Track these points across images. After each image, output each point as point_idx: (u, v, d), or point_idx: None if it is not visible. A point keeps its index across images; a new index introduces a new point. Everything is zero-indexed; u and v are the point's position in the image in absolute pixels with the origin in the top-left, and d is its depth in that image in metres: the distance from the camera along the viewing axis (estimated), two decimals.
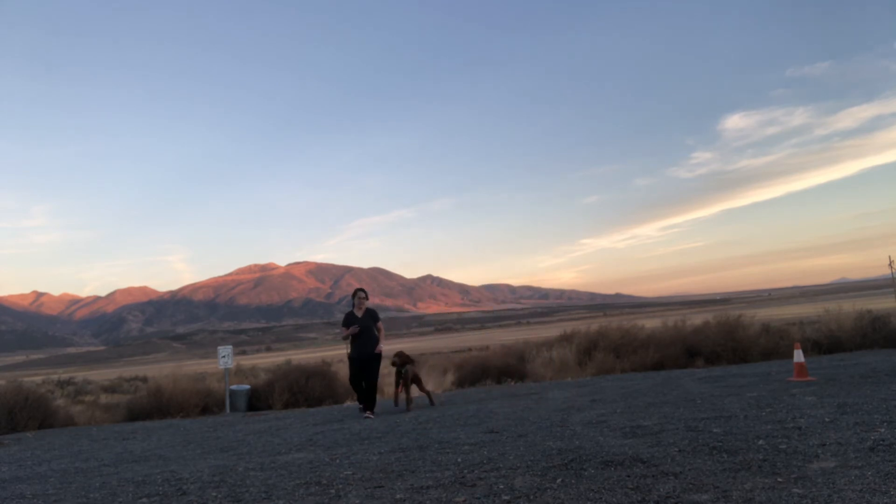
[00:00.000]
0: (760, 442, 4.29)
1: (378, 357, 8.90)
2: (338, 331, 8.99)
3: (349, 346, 8.99)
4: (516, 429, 5.87)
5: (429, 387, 14.83)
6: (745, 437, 4.51)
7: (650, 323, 15.84)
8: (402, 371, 9.09)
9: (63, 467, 5.98)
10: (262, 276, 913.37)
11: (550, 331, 22.32)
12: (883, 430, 4.33)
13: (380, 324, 9.07)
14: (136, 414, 12.88)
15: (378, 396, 11.87)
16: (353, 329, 8.71)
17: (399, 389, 9.15)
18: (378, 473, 4.31)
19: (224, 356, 12.96)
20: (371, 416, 8.48)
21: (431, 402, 9.42)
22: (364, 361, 8.75)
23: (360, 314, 8.95)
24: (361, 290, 9.15)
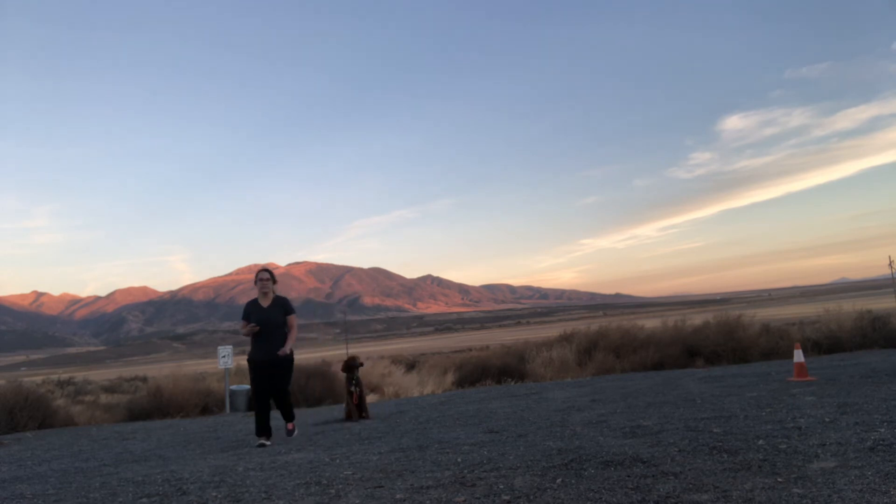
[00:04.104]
0: (760, 442, 4.29)
1: (287, 362, 6.86)
2: (238, 326, 7.06)
3: (250, 345, 6.97)
4: (516, 429, 5.87)
5: (428, 388, 14.86)
6: (745, 437, 4.50)
7: (650, 323, 15.84)
8: (353, 378, 8.08)
9: (63, 467, 5.98)
10: None
11: (550, 331, 22.32)
12: (883, 430, 4.33)
13: (292, 318, 7.03)
14: (136, 414, 12.89)
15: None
16: (249, 329, 6.77)
17: (355, 400, 8.06)
18: (378, 473, 4.31)
19: (224, 356, 12.96)
20: (293, 431, 6.91)
21: (362, 416, 8.08)
22: (269, 366, 6.73)
23: (267, 304, 6.94)
24: (265, 270, 7.15)
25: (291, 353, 6.93)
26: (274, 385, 6.84)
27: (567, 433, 5.37)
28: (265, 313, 6.86)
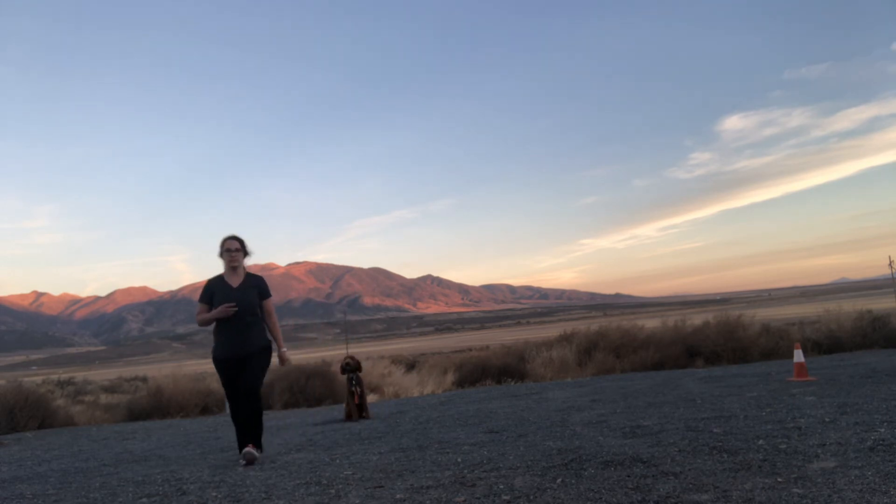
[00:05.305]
0: (760, 442, 4.29)
1: (264, 356, 5.24)
2: (196, 311, 5.35)
3: (214, 337, 5.30)
4: (516, 429, 5.87)
5: (428, 388, 14.86)
6: (745, 437, 4.50)
7: (650, 323, 15.84)
8: (353, 378, 8.02)
9: (63, 467, 5.98)
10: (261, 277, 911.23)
11: (550, 331, 22.31)
12: (883, 430, 4.33)
13: (270, 303, 5.41)
14: (136, 414, 12.89)
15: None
16: (223, 310, 5.06)
17: (356, 400, 7.96)
18: (378, 473, 4.31)
19: None
20: (255, 454, 5.07)
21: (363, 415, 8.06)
22: (240, 362, 5.13)
23: (237, 282, 5.27)
24: (234, 238, 5.33)
25: (269, 345, 5.31)
26: (245, 380, 5.10)
27: (567, 433, 5.36)
28: (234, 294, 5.17)
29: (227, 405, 5.40)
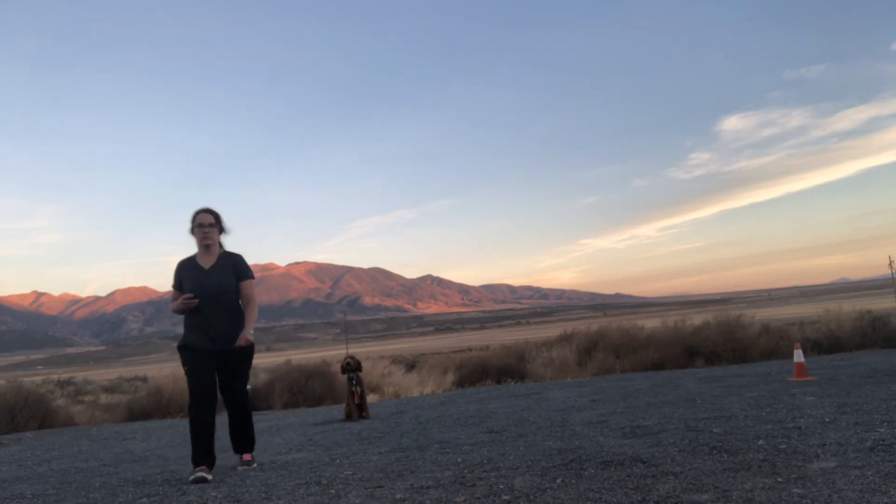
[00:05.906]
0: (760, 442, 4.29)
1: (247, 352, 4.59)
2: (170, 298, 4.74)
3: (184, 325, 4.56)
4: (516, 429, 5.87)
5: (428, 388, 14.86)
6: (745, 437, 4.50)
7: (650, 323, 15.84)
8: (353, 378, 7.96)
9: (63, 467, 5.98)
10: (262, 276, 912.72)
11: (550, 331, 22.30)
12: (883, 430, 4.33)
13: (249, 284, 4.62)
14: (136, 414, 12.90)
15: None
16: (183, 302, 4.38)
17: (356, 400, 7.92)
18: (378, 473, 4.31)
19: None
20: (251, 462, 4.78)
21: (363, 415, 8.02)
22: (216, 357, 4.47)
23: (210, 262, 4.55)
24: (207, 211, 4.59)
25: (251, 345, 4.61)
26: (226, 385, 4.58)
27: (567, 433, 5.36)
28: (207, 277, 4.45)
29: (190, 405, 4.49)
